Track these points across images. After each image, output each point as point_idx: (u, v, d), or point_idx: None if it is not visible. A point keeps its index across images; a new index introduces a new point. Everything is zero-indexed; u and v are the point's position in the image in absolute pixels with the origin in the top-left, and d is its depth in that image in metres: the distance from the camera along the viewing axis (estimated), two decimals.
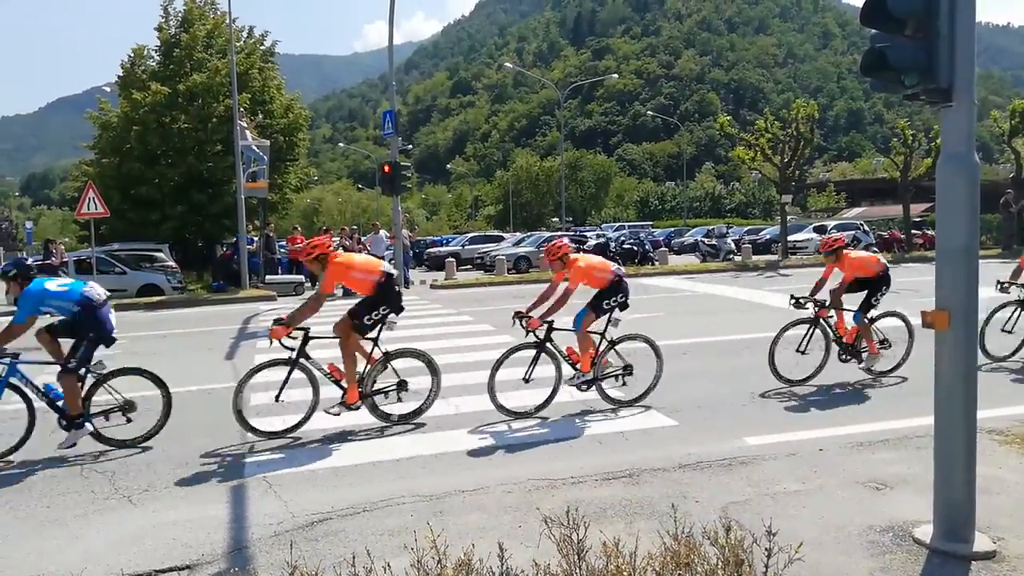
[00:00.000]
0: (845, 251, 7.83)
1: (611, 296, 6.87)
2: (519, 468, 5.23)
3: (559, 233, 32.69)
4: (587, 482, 4.87)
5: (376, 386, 6.44)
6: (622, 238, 30.50)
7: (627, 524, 4.09)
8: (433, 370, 6.56)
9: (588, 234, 34.33)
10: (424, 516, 4.29)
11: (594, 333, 6.87)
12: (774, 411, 6.66)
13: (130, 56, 27.18)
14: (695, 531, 3.29)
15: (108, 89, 30.28)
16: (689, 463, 5.18)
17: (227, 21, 23.60)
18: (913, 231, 30.31)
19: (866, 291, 7.79)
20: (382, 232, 21.43)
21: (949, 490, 3.73)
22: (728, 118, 31.43)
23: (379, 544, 3.97)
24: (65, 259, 18.27)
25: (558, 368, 6.72)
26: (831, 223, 34.46)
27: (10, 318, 5.82)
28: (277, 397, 6.19)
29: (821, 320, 7.62)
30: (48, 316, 6.06)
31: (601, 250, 25.12)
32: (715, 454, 5.36)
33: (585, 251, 8.03)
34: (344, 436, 6.20)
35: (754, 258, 27.28)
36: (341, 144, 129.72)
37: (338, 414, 6.31)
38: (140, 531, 4.41)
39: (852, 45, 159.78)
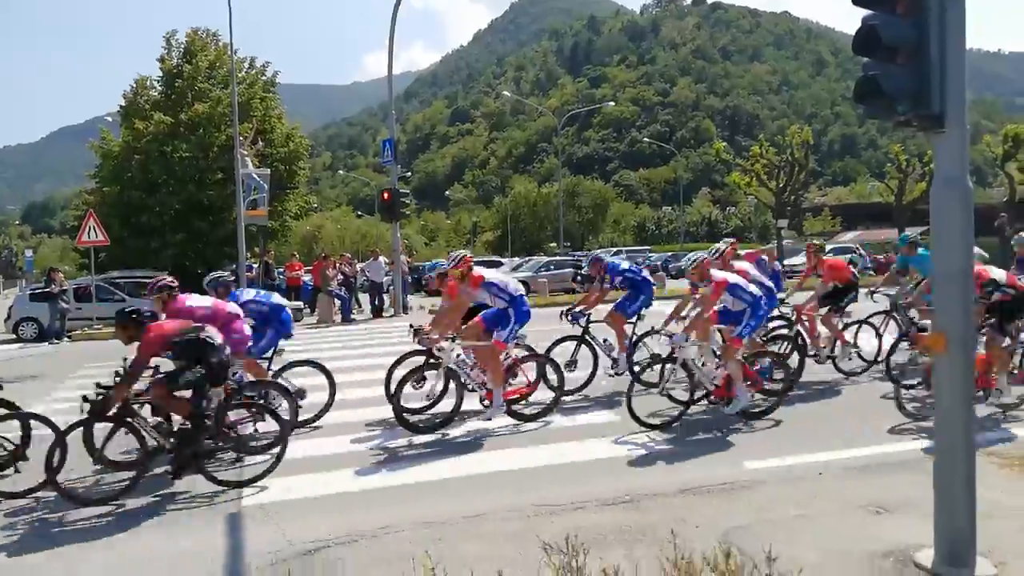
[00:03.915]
0: None
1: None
2: (519, 494, 5.20)
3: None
4: (587, 508, 4.85)
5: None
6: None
7: (627, 550, 4.06)
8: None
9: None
10: (423, 544, 4.26)
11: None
12: (773, 435, 6.64)
13: (132, 86, 27.50)
14: (695, 557, 3.28)
15: (110, 119, 30.55)
16: (689, 488, 5.16)
17: (229, 52, 23.88)
18: None
19: None
20: (381, 258, 21.48)
21: (950, 514, 3.72)
22: (724, 144, 31.75)
23: (377, 572, 3.94)
24: (65, 287, 18.28)
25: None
26: (828, 246, 34.56)
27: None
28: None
29: None
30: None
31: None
32: (715, 478, 5.33)
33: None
34: (342, 463, 6.17)
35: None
36: (341, 172, 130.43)
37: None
38: (139, 561, 4.38)
39: (846, 72, 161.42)
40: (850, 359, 8.90)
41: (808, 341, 8.79)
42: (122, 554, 4.50)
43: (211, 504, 5.32)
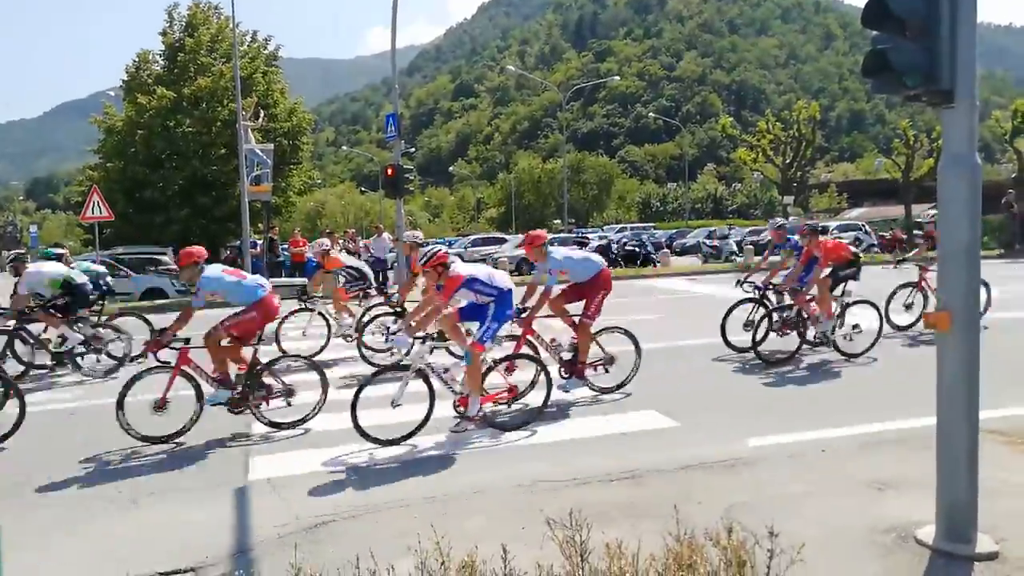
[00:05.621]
0: None
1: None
2: (522, 470, 5.23)
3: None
4: (590, 484, 4.88)
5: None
6: (624, 240, 30.49)
7: (630, 525, 4.09)
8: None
9: (590, 236, 34.31)
10: (428, 518, 4.30)
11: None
12: (776, 412, 6.66)
13: (135, 61, 27.35)
14: (697, 532, 3.30)
15: (113, 94, 30.45)
16: (691, 464, 5.18)
17: (231, 25, 23.67)
18: (915, 231, 30.32)
19: None
20: (385, 235, 21.45)
21: (952, 491, 3.74)
22: (730, 120, 31.50)
23: (383, 546, 3.98)
24: (72, 264, 18.31)
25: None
26: (833, 224, 34.41)
27: None
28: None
29: None
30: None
31: (602, 251, 25.12)
32: (717, 455, 5.36)
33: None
34: (348, 438, 6.20)
35: (756, 259, 27.25)
36: (344, 147, 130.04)
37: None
38: (144, 533, 4.43)
39: (854, 46, 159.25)
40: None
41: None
42: (126, 526, 4.55)
43: (217, 477, 5.37)
